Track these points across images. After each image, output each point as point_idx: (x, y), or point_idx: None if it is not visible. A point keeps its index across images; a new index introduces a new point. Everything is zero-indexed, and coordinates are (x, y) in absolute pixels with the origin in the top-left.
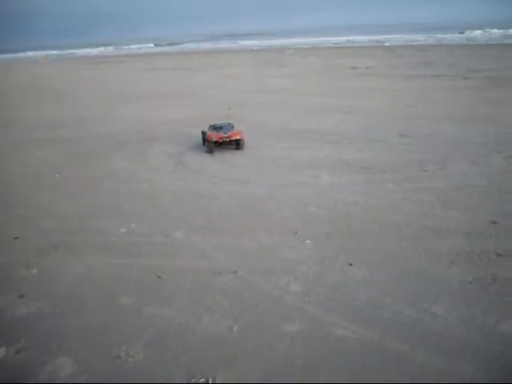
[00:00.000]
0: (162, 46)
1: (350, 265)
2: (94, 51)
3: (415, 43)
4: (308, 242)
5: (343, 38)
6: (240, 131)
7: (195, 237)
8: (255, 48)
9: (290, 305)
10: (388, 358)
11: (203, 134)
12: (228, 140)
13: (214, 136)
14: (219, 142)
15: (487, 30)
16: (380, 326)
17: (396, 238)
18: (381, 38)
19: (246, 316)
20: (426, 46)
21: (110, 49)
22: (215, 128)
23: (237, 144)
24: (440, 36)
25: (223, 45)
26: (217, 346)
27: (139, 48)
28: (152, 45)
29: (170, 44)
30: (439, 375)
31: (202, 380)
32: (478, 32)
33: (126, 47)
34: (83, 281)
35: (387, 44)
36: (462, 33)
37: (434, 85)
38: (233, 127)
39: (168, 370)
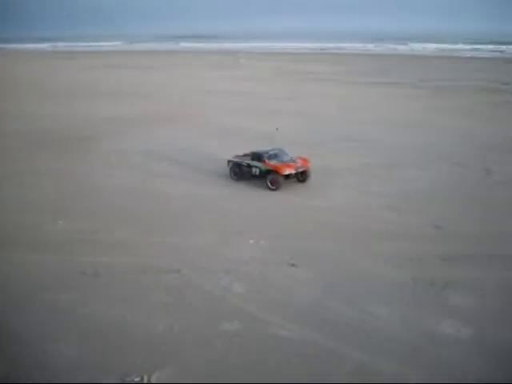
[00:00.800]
0: (115, 44)
1: (293, 265)
2: (44, 46)
3: (368, 52)
4: (251, 241)
5: (299, 45)
6: (306, 158)
7: (139, 235)
8: (211, 50)
9: (232, 304)
10: (330, 359)
11: (232, 164)
12: (301, 171)
13: (285, 168)
14: (291, 175)
15: (433, 43)
16: (322, 328)
17: (341, 241)
18: (335, 45)
19: (188, 315)
20: (379, 55)
21: (64, 44)
22: (270, 156)
23: (303, 175)
24: (391, 46)
25: (183, 45)
26: (156, 345)
27: (91, 46)
28: (106, 43)
29: (127, 42)
30: (380, 375)
31: (137, 379)
32: (427, 44)
33: (81, 44)
34: (7, 277)
35: (341, 51)
36: (405, 44)
37: (384, 92)
38: (286, 153)
39: (104, 367)
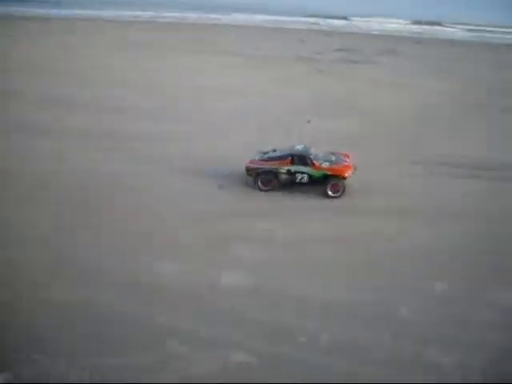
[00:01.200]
0: None
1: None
2: None
3: (189, 21)
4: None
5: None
6: (348, 154)
7: None
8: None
9: None
10: (112, 317)
11: (258, 173)
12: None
13: (346, 170)
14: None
15: (260, 14)
16: (106, 288)
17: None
18: (156, 14)
19: None
20: (200, 24)
21: None
22: (315, 158)
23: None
24: (214, 16)
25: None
26: None
27: None
28: None
29: None
30: (161, 326)
31: None
32: (253, 16)
33: None
34: None
35: (164, 20)
36: (228, 14)
37: (205, 61)
38: (309, 147)
39: None
